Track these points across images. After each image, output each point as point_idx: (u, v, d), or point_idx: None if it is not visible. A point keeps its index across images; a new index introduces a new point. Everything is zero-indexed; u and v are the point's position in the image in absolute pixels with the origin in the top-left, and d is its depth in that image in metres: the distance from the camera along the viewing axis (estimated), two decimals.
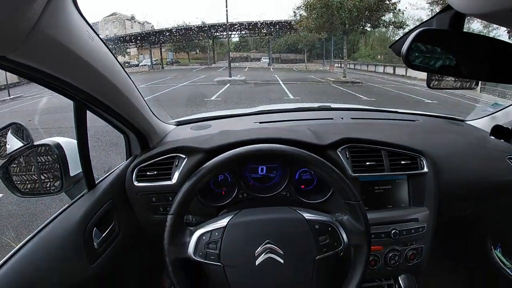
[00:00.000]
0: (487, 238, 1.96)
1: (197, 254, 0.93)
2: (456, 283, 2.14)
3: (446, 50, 0.71)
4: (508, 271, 1.84)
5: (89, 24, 0.86)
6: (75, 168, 1.17)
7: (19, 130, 1.15)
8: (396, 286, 1.37)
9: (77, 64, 0.83)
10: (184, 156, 1.32)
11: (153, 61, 39.60)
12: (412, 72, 23.04)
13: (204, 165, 0.99)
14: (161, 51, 43.21)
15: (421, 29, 0.67)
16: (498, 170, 1.58)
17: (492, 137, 1.73)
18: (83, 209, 1.10)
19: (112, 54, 1.01)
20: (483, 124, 1.96)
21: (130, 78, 1.18)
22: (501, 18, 0.62)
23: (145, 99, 1.35)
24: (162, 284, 1.67)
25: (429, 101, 12.13)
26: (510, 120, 1.79)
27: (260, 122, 1.72)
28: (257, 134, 1.31)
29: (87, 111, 1.09)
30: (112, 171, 1.35)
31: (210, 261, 0.92)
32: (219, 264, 0.92)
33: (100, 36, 0.93)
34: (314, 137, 1.35)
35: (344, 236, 0.98)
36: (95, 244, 1.11)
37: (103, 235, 1.16)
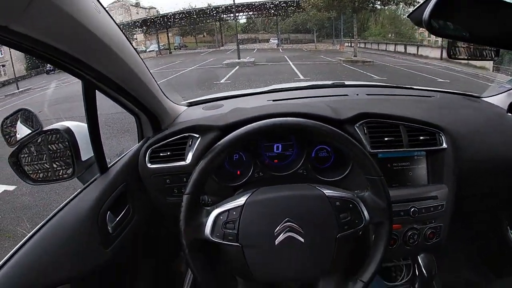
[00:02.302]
0: (503, 217, 1.94)
1: (214, 235, 0.90)
2: (471, 262, 2.13)
3: (469, 16, 0.67)
4: None
5: None
6: (86, 152, 1.15)
7: (28, 117, 1.12)
8: (416, 266, 1.34)
9: (83, 37, 0.79)
10: (197, 136, 1.28)
11: (160, 46, 39.45)
12: (423, 51, 22.66)
13: (218, 143, 0.95)
14: (168, 36, 42.84)
15: None
16: None
17: (510, 114, 1.68)
18: (96, 193, 1.08)
19: (121, 30, 0.97)
20: (500, 100, 1.88)
21: (140, 57, 1.14)
22: None
23: (159, 82, 1.32)
24: (178, 267, 1.66)
25: (441, 80, 11.93)
26: None
27: (273, 100, 1.68)
28: (273, 110, 1.26)
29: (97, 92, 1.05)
30: (124, 154, 1.33)
31: (228, 242, 0.89)
32: (238, 244, 0.89)
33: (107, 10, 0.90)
34: (331, 112, 1.31)
35: (366, 213, 0.95)
36: (109, 228, 1.09)
37: (117, 219, 1.14)
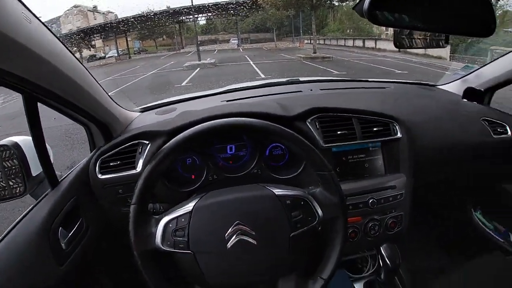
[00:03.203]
0: (467, 201, 2.01)
1: (165, 244, 0.87)
2: (438, 248, 2.18)
3: (412, 3, 0.65)
4: (491, 232, 1.88)
5: (25, 6, 0.78)
6: (37, 167, 1.11)
7: None
8: (379, 256, 1.34)
9: (14, 49, 0.75)
10: (147, 142, 1.25)
11: (119, 52, 38.71)
12: (381, 44, 23.35)
13: (162, 148, 0.93)
14: (127, 41, 41.87)
15: None
16: (473, 132, 1.59)
17: (465, 99, 1.76)
18: (46, 209, 1.04)
19: (58, 39, 0.94)
20: (455, 87, 1.96)
21: (83, 64, 1.11)
22: None
23: (112, 92, 1.27)
24: (140, 277, 1.60)
25: (399, 71, 12.34)
26: (481, 82, 1.79)
27: (227, 101, 1.67)
28: (220, 111, 1.24)
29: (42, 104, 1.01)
30: (75, 166, 1.28)
31: (180, 250, 0.87)
32: (189, 251, 0.87)
33: (49, 26, 0.87)
34: (280, 109, 1.31)
35: (318, 209, 0.94)
36: (62, 244, 1.05)
37: (70, 234, 1.10)
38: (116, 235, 1.33)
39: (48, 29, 0.90)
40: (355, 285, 1.43)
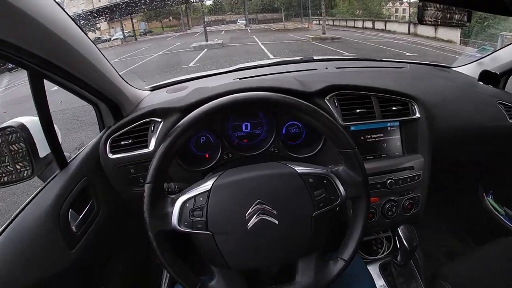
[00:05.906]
0: (479, 185, 1.99)
1: (182, 224, 0.84)
2: (450, 231, 2.18)
3: None
4: (501, 217, 1.87)
5: None
6: (45, 148, 1.06)
7: None
8: (396, 238, 1.31)
9: (19, 21, 0.72)
10: (159, 120, 1.22)
11: (125, 34, 38.20)
12: (391, 26, 22.99)
13: (177, 125, 0.88)
14: (132, 22, 41.16)
15: None
16: (489, 115, 1.55)
17: (480, 82, 1.72)
18: (55, 191, 1.00)
19: (67, 13, 0.91)
20: (470, 70, 1.92)
21: (93, 42, 1.07)
22: None
23: (121, 72, 1.26)
24: (153, 260, 1.62)
25: (409, 54, 12.12)
26: (497, 65, 1.76)
27: (240, 78, 1.61)
28: (237, 86, 1.20)
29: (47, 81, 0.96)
30: (85, 147, 1.25)
31: (198, 230, 0.83)
32: (208, 232, 0.83)
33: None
34: (299, 85, 1.27)
35: (341, 188, 0.90)
36: (73, 227, 1.02)
37: (81, 216, 1.07)
38: (128, 216, 1.33)
39: (57, 3, 0.87)
40: (370, 267, 1.40)
